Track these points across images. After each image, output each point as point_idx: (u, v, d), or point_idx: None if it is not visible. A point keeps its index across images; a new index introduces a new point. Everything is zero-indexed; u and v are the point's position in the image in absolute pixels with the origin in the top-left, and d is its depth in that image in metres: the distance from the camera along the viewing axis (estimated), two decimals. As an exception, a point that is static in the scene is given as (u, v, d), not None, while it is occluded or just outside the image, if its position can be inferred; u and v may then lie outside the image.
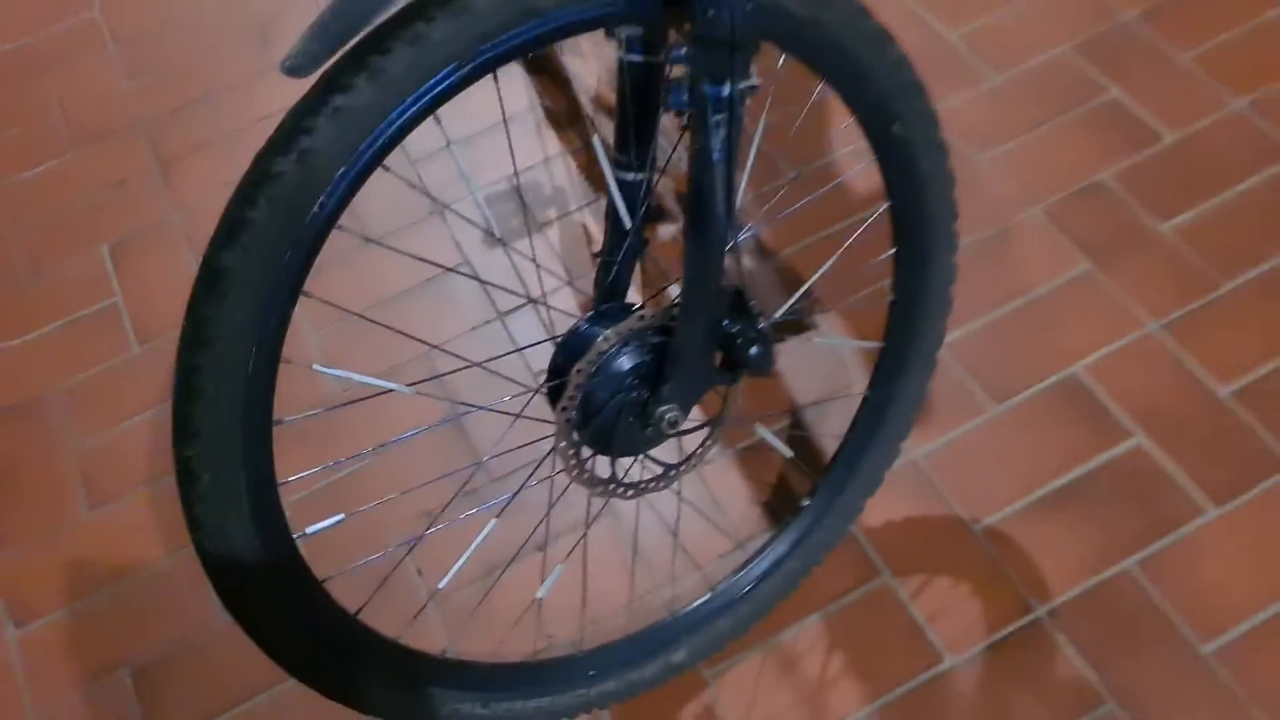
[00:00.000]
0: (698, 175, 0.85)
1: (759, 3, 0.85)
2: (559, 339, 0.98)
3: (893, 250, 1.09)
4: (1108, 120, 1.66)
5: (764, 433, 1.39)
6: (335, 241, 1.22)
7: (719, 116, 0.82)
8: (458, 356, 1.55)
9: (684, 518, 1.38)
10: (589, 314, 0.99)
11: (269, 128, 0.77)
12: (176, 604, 1.39)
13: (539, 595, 1.32)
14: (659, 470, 1.04)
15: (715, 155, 0.84)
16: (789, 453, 1.37)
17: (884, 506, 1.35)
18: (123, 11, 2.09)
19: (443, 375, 1.52)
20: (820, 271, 1.54)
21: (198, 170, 1.84)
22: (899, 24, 1.77)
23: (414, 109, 0.77)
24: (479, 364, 1.30)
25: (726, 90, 0.81)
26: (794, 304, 1.50)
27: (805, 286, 1.51)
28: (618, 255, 1.00)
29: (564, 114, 1.78)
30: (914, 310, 1.13)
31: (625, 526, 1.38)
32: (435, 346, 1.51)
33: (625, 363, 0.95)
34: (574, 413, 0.95)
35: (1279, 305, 1.46)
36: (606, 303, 1.01)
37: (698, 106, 0.82)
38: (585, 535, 1.37)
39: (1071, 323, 1.48)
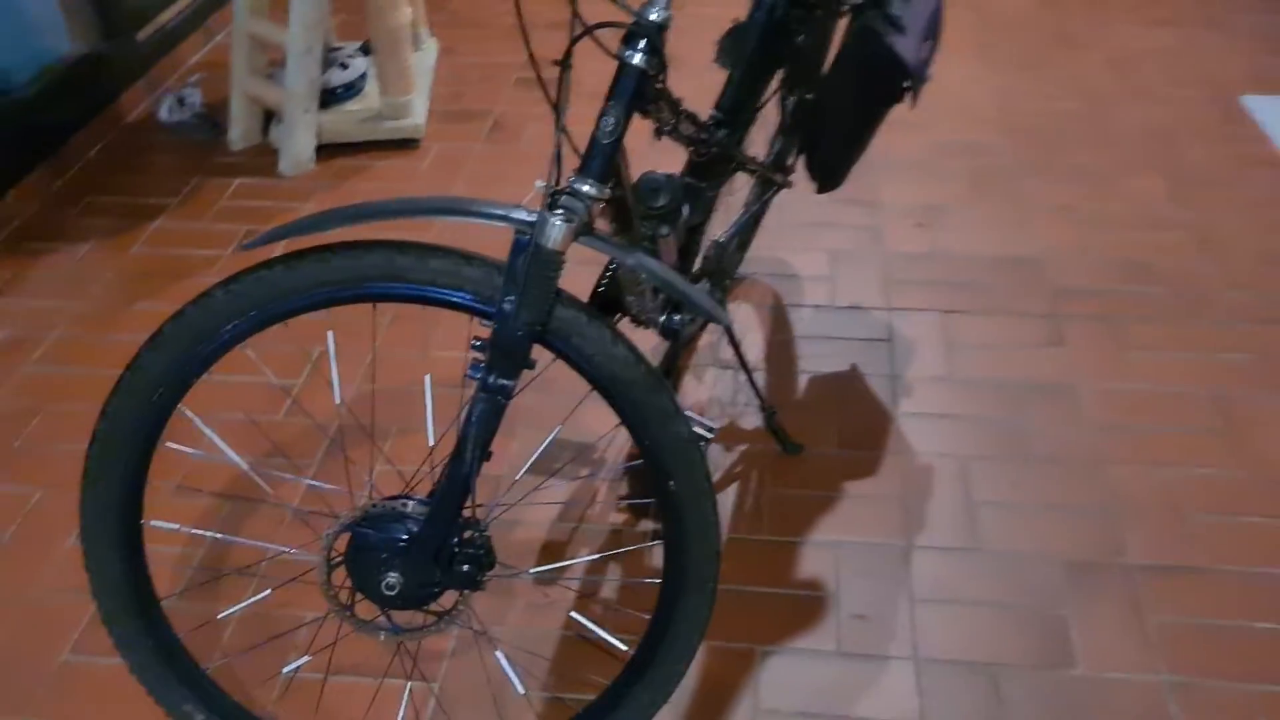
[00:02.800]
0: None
1: (552, 330, 1.19)
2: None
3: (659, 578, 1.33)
4: None
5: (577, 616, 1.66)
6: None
7: (481, 396, 1.20)
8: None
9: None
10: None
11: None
12: None
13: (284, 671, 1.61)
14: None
15: (472, 419, 1.21)
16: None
17: None
18: None
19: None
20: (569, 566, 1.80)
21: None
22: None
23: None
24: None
25: (490, 379, 1.19)
26: (545, 570, 1.79)
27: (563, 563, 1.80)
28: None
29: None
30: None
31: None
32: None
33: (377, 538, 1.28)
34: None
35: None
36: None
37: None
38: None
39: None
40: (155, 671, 1.35)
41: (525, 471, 1.89)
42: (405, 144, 2.94)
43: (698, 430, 1.63)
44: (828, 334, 2.25)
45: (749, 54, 1.67)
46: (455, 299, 1.19)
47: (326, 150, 2.90)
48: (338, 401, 1.78)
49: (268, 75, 2.93)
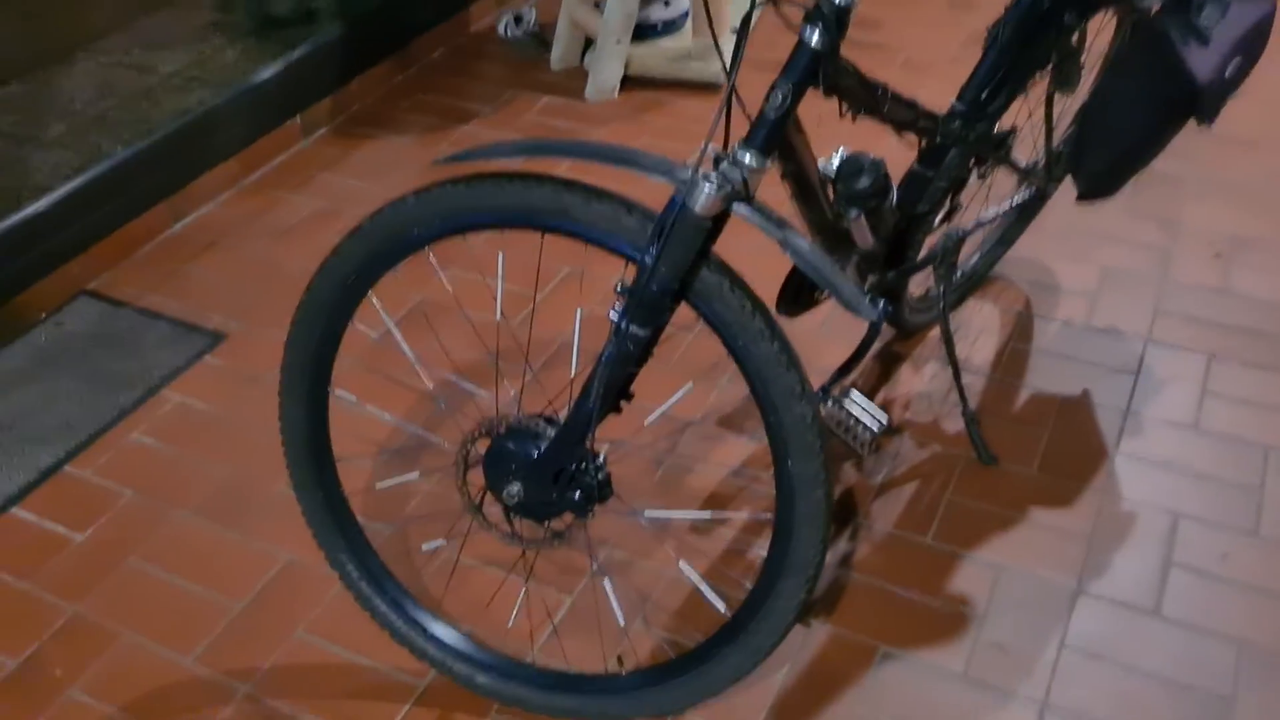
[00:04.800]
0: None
1: (695, 290, 1.23)
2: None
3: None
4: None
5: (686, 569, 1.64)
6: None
7: (613, 339, 1.25)
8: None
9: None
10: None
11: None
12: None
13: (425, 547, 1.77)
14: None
15: (602, 360, 1.26)
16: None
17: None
18: None
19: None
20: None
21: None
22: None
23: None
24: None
25: (623, 323, 1.24)
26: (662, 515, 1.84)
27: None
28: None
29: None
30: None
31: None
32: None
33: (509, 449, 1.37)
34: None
35: None
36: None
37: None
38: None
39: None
40: (321, 518, 1.54)
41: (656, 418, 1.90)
42: (710, 86, 3.00)
43: (865, 420, 1.62)
44: (1069, 353, 2.11)
45: (1000, 41, 1.59)
46: (610, 243, 1.25)
47: (634, 82, 3.02)
48: (498, 317, 1.88)
49: (595, 3, 3.08)
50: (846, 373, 1.69)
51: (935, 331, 2.16)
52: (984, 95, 1.62)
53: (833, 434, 1.71)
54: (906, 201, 1.67)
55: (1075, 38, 1.69)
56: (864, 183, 1.43)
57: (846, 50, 1.27)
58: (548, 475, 1.34)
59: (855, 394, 1.62)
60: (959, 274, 2.19)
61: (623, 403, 1.37)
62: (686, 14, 3.14)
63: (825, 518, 1.29)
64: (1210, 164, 2.61)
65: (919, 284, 2.03)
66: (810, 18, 1.18)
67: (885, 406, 2.00)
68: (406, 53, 3.17)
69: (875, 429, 1.61)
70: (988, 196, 2.02)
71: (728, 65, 1.20)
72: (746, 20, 1.17)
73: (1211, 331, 2.14)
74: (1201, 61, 1.65)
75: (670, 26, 3.12)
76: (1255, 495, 1.81)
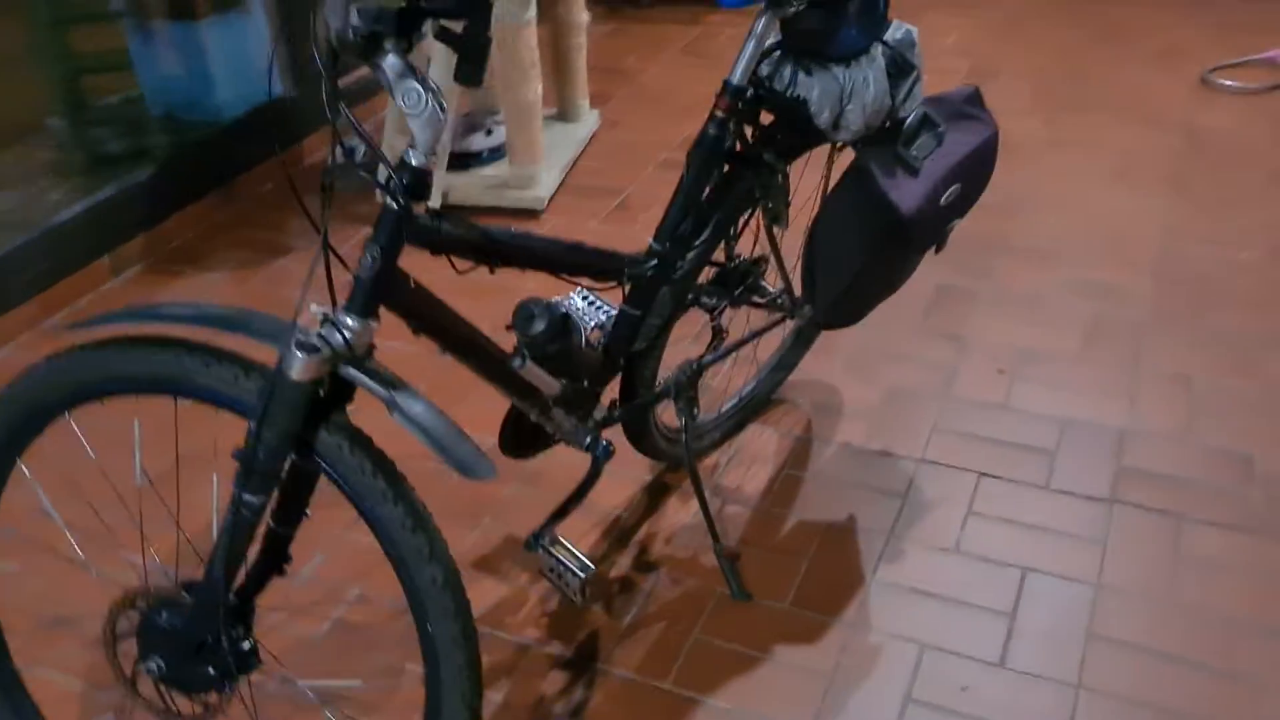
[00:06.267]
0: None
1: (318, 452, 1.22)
2: None
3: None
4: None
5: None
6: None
7: (230, 508, 1.22)
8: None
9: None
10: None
11: None
12: None
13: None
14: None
15: (221, 529, 1.24)
16: None
17: None
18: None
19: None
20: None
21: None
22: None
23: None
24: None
25: (239, 491, 1.22)
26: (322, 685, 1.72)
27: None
28: None
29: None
30: None
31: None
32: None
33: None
34: None
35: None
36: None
37: None
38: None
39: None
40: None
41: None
42: (527, 213, 3.02)
43: (573, 566, 1.58)
44: (841, 477, 2.09)
45: (685, 182, 1.60)
46: (235, 407, 1.22)
47: (453, 211, 3.04)
48: (137, 482, 1.80)
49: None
50: (561, 517, 1.65)
51: (710, 456, 2.14)
52: (683, 233, 1.62)
53: (547, 580, 1.67)
54: (621, 340, 1.65)
55: (781, 177, 1.70)
56: (538, 328, 1.42)
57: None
58: (189, 647, 1.28)
59: (562, 540, 1.58)
60: (737, 400, 2.18)
61: (285, 566, 1.33)
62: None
63: (471, 684, 1.24)
64: (1005, 277, 2.65)
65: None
66: (388, 181, 1.17)
67: (647, 541, 1.96)
68: (232, 187, 3.17)
69: (583, 575, 1.57)
70: (746, 324, 2.03)
71: (308, 217, 1.19)
72: (325, 184, 1.17)
73: (984, 449, 2.13)
74: (909, 192, 1.67)
75: (496, 154, 3.16)
76: (1006, 622, 1.78)
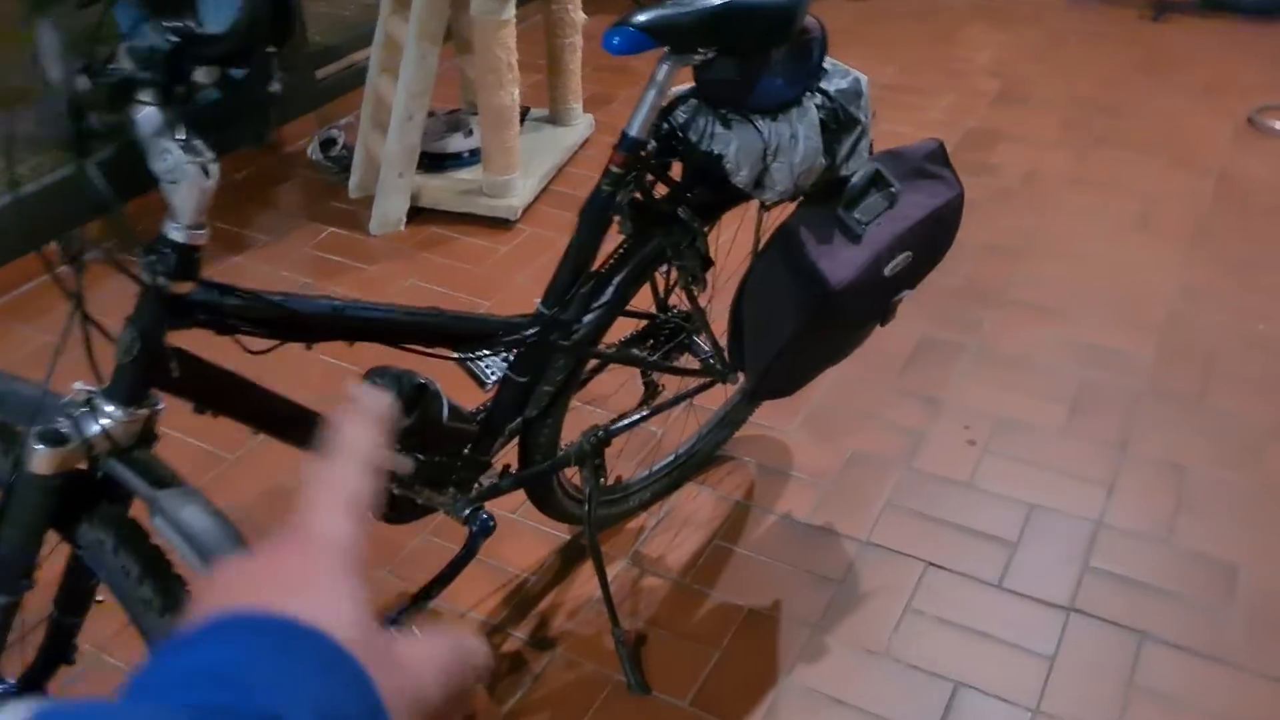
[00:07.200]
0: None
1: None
2: None
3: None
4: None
5: None
6: None
7: None
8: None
9: None
10: None
11: None
12: None
13: None
14: None
15: None
16: None
17: None
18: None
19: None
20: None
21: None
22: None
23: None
24: None
25: None
26: None
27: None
28: None
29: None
30: None
31: None
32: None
33: None
34: None
35: None
36: None
37: None
38: None
39: None
40: None
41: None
42: (501, 222, 2.85)
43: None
44: (774, 553, 1.90)
45: (574, 241, 1.42)
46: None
47: (425, 214, 2.88)
48: None
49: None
50: (426, 599, 1.50)
51: (630, 523, 1.97)
52: (563, 292, 1.43)
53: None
54: (507, 409, 1.48)
55: (696, 238, 1.51)
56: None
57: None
58: None
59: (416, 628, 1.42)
60: (672, 459, 2.01)
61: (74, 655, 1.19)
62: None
63: None
64: (995, 333, 2.43)
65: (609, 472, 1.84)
66: (147, 255, 1.01)
67: (549, 612, 1.80)
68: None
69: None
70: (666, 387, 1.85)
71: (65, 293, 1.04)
72: (75, 253, 1.01)
73: (938, 533, 1.94)
74: (844, 261, 1.48)
75: (477, 156, 2.99)
76: (927, 744, 1.60)
